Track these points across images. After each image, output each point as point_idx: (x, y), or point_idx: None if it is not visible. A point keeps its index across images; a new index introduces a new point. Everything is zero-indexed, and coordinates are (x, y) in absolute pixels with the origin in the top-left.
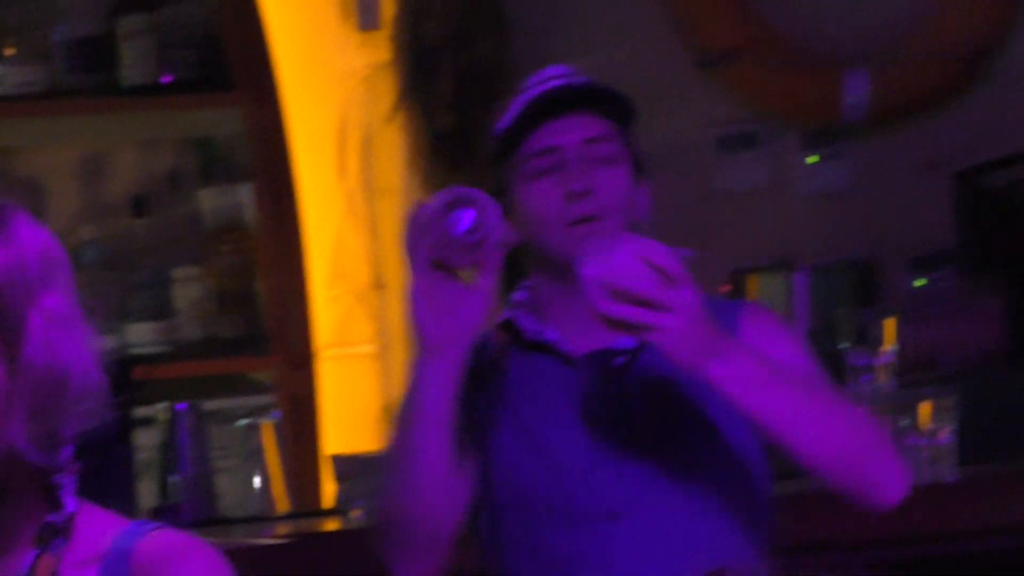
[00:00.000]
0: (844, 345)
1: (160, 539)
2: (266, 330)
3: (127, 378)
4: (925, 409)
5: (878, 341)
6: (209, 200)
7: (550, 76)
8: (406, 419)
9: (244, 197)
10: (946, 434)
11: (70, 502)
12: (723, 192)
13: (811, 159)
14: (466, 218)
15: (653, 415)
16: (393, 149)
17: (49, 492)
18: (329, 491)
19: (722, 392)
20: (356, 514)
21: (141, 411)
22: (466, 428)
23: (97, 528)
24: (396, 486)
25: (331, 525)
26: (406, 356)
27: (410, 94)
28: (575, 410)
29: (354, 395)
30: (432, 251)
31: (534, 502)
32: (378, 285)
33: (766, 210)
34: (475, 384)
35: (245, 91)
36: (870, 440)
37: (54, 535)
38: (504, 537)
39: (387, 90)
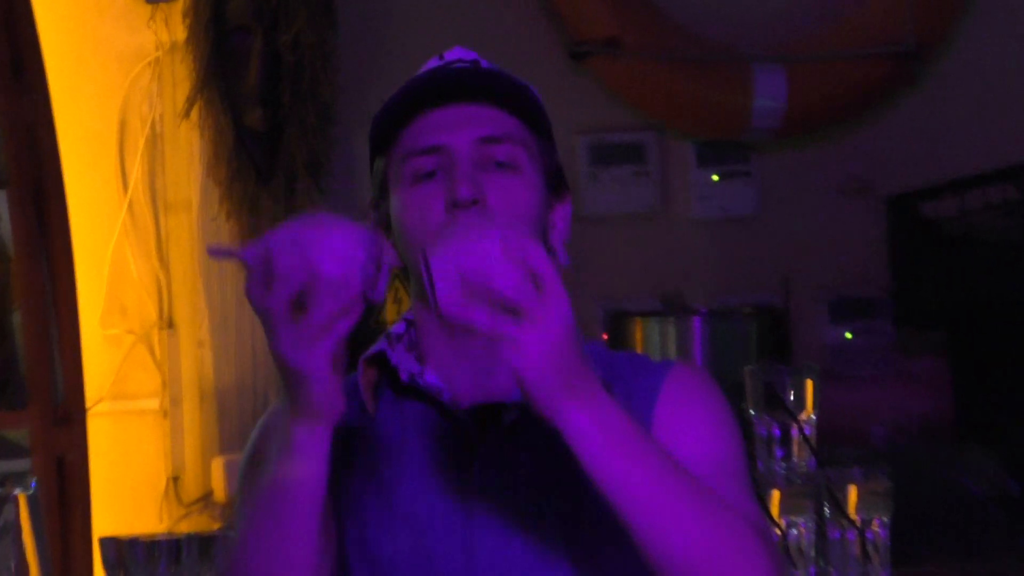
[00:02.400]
0: (751, 411)
1: None
2: (22, 377)
3: None
4: (852, 494)
5: (795, 406)
6: None
7: (452, 60)
8: (269, 498)
9: None
10: (878, 526)
11: None
12: (596, 216)
13: (712, 177)
14: (337, 249)
15: (545, 487)
16: (187, 151)
17: None
18: None
19: (572, 444)
20: None
21: None
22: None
23: None
24: (257, 562)
25: None
26: (200, 413)
27: (210, 83)
28: (451, 475)
29: (134, 461)
30: (292, 296)
31: (394, 571)
32: (167, 324)
33: (653, 239)
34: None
35: None
36: (738, 547)
37: None
38: None
39: (181, 77)
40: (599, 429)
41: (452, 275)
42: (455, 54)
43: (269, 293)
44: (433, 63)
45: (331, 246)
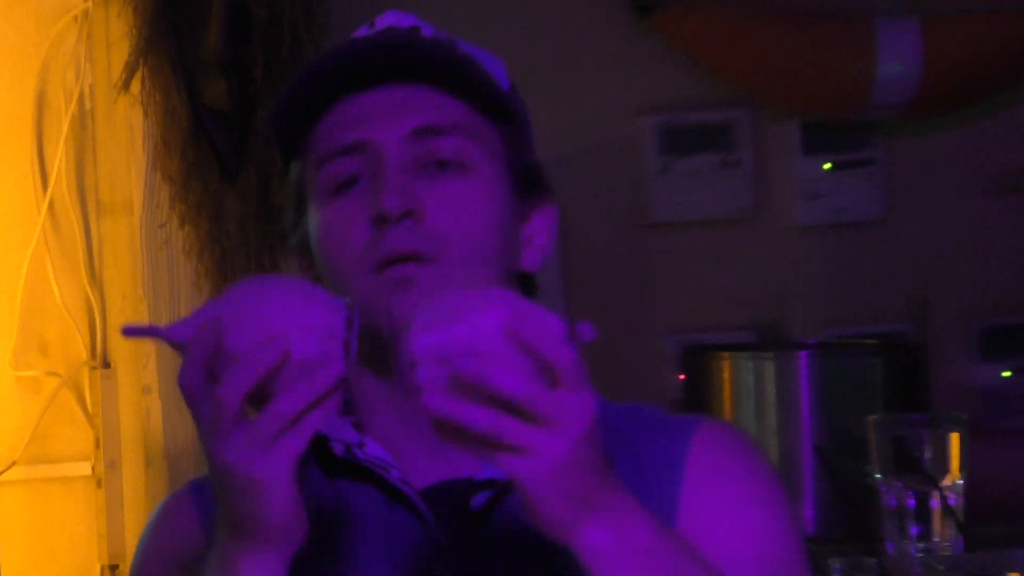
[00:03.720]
0: (876, 475)
1: None
2: None
3: None
4: None
5: (935, 469)
6: None
7: (382, 26)
8: None
9: None
10: None
11: None
12: (668, 221)
13: (824, 167)
14: (312, 319)
15: None
16: (127, 136)
17: None
18: None
19: (588, 566)
20: None
21: None
22: None
23: None
24: None
25: None
26: (145, 479)
27: (156, 45)
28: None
29: (57, 544)
30: (253, 385)
31: None
32: (101, 363)
33: (744, 251)
34: None
35: None
36: None
37: None
38: None
39: (118, 37)
40: (623, 550)
41: (438, 353)
42: (387, 19)
43: (218, 383)
44: (362, 31)
45: (304, 316)
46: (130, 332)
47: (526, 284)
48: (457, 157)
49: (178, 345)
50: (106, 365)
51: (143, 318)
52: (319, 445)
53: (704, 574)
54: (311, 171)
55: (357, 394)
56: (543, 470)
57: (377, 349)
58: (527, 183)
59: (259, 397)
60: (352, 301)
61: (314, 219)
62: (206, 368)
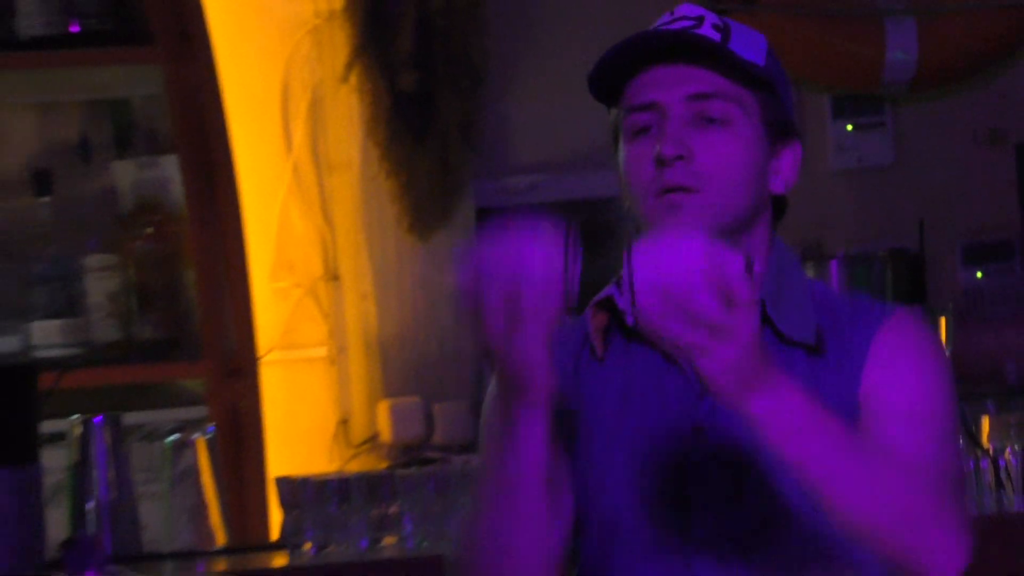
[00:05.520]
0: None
1: None
2: (196, 330)
3: (31, 386)
4: (985, 425)
5: None
6: (125, 175)
7: (678, 16)
8: (501, 468)
9: (168, 171)
10: (1010, 454)
11: None
12: None
13: (847, 127)
14: (539, 252)
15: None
16: (347, 114)
17: None
18: (270, 522)
19: (756, 430)
20: (306, 548)
21: (49, 425)
22: (558, 443)
23: None
24: (490, 534)
25: (277, 561)
26: (365, 360)
27: (367, 48)
28: (673, 412)
29: (304, 406)
30: (505, 298)
31: (621, 529)
32: (332, 277)
33: (794, 190)
34: (562, 383)
35: (167, 44)
36: (928, 509)
37: None
38: (588, 563)
39: (340, 43)
40: (780, 414)
41: (653, 285)
42: (682, 10)
43: (484, 298)
44: (664, 19)
45: (534, 250)
46: (456, 256)
47: (777, 203)
48: (721, 116)
49: (463, 277)
50: (335, 279)
51: (361, 246)
52: (620, 318)
53: (850, 435)
54: (621, 117)
55: None
56: (720, 367)
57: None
58: (778, 131)
59: (514, 305)
60: (571, 230)
61: (621, 152)
62: (476, 291)
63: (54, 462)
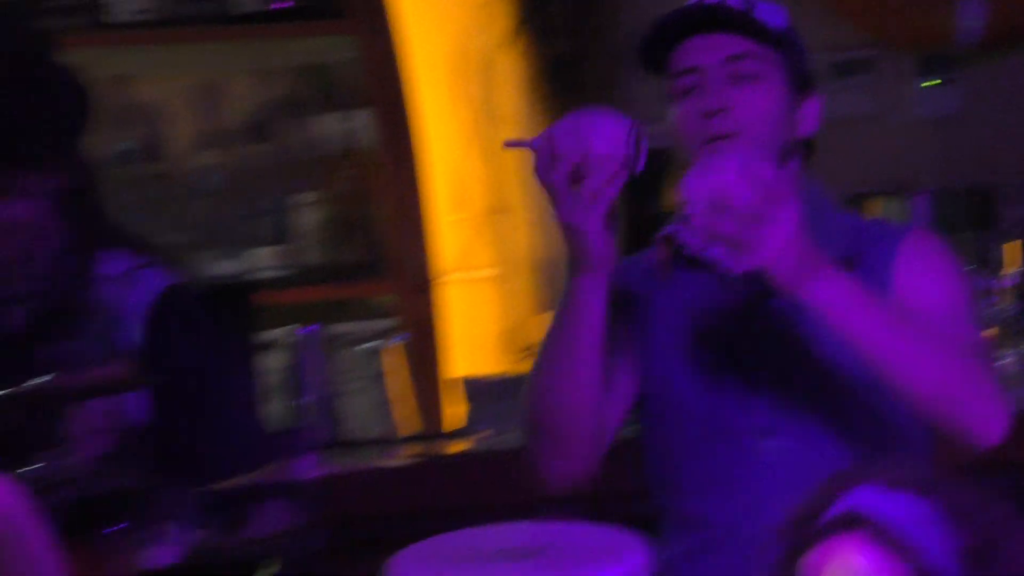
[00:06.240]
0: (966, 268)
1: None
2: (386, 255)
3: (249, 302)
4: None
5: (999, 265)
6: (328, 126)
7: None
8: (562, 329)
9: (361, 123)
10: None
11: None
12: (838, 118)
13: (925, 84)
14: (604, 132)
15: (802, 338)
16: (511, 75)
17: None
18: (451, 414)
19: (815, 314)
20: (484, 436)
21: (264, 335)
22: (623, 339)
23: None
24: (550, 390)
25: (458, 447)
26: (527, 279)
27: (526, 19)
28: (730, 327)
29: (476, 318)
30: (570, 171)
31: (685, 415)
32: (498, 210)
33: (881, 135)
34: (633, 296)
35: (359, 18)
36: (970, 380)
37: None
38: (654, 445)
39: (504, 15)
40: (837, 297)
41: (703, 197)
42: None
43: (552, 170)
44: None
45: (599, 130)
46: (510, 144)
47: (807, 144)
48: (752, 73)
49: (533, 150)
50: (502, 211)
51: (526, 183)
52: (678, 249)
53: (899, 313)
54: (671, 81)
55: None
56: (772, 254)
57: None
58: (801, 85)
59: (579, 179)
60: (635, 122)
61: (672, 111)
62: (548, 164)
63: (271, 365)
